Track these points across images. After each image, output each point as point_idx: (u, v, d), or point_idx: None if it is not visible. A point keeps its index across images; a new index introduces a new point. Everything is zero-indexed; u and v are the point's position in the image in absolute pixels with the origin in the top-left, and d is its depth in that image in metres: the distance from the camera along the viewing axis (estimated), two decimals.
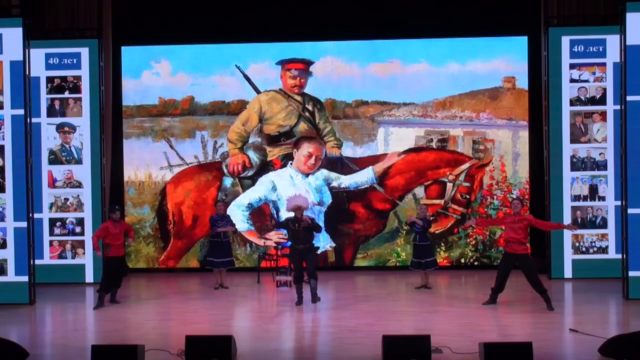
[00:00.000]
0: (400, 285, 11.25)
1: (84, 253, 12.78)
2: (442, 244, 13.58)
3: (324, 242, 13.03)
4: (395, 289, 11.70)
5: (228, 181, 13.75)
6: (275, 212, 13.49)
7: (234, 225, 12.08)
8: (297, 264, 9.91)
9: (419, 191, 13.72)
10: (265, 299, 10.89)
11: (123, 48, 13.88)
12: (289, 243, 12.49)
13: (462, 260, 13.64)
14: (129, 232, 10.60)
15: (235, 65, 13.80)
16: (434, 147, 13.75)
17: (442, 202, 13.60)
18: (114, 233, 10.13)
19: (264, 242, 12.74)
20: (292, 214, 10.01)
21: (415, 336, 7.15)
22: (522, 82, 13.71)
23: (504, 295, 10.10)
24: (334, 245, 13.56)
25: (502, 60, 13.69)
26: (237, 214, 13.23)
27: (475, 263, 13.73)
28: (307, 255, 9.87)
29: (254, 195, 13.44)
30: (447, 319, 8.92)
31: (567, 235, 12.49)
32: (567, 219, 12.53)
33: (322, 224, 12.40)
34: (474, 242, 13.62)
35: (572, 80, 12.71)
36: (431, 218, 13.57)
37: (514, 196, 13.03)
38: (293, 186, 13.40)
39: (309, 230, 9.82)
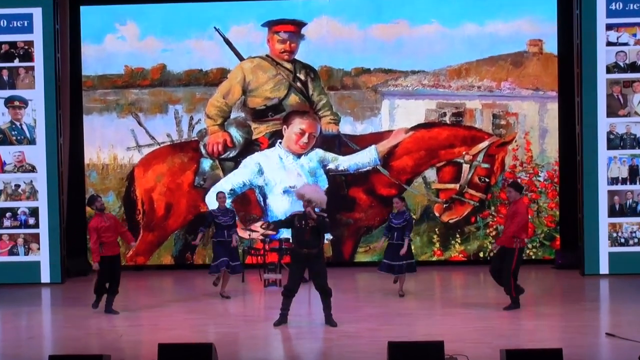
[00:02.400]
0: (408, 284, 11.24)
1: (38, 249, 12.75)
2: (457, 235, 13.61)
3: None
4: (406, 287, 11.72)
5: (207, 163, 13.72)
6: (261, 199, 13.52)
7: (235, 227, 11.06)
8: (295, 274, 8.94)
9: (430, 174, 13.72)
10: (251, 301, 10.89)
11: (82, 8, 13.77)
12: (278, 235, 12.49)
13: (481, 254, 13.65)
14: (123, 234, 10.27)
15: (214, 28, 13.72)
16: (448, 122, 13.74)
17: (457, 186, 13.59)
18: (104, 227, 9.75)
19: (249, 235, 12.73)
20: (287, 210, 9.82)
21: (426, 342, 7.12)
22: (551, 46, 13.66)
23: (528, 296, 10.12)
24: (331, 237, 13.50)
25: (527, 20, 13.62)
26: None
27: None
28: (314, 263, 8.85)
29: (237, 180, 13.45)
30: (462, 322, 8.92)
31: (603, 223, 12.51)
32: (602, 205, 12.54)
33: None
34: (494, 232, 13.61)
35: (609, 44, 12.66)
36: (445, 205, 13.61)
37: (543, 178, 13.04)
38: (283, 169, 13.45)
39: (317, 231, 8.86)
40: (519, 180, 13.42)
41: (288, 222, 9.19)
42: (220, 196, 10.84)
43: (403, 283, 10.68)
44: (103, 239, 9.65)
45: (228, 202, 11.73)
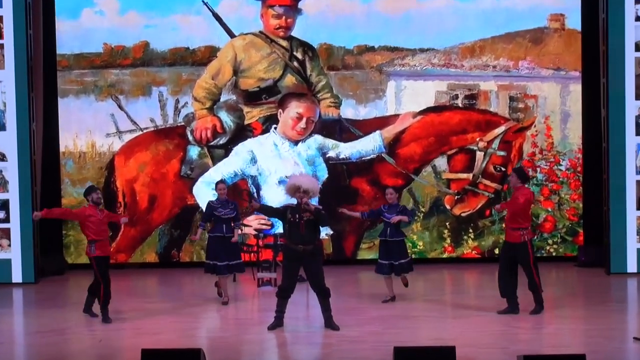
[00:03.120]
0: (416, 283, 11.24)
1: (9, 245, 12.73)
2: (471, 230, 13.63)
3: None
4: (409, 287, 11.70)
5: (194, 151, 13.71)
6: (254, 190, 13.52)
7: (238, 221, 10.76)
8: (290, 272, 8.83)
9: (441, 162, 13.73)
10: (244, 302, 10.88)
11: None
12: (273, 230, 12.47)
13: (496, 251, 13.49)
14: (113, 218, 10.26)
15: (203, 2, 13.67)
16: (460, 105, 13.75)
17: (470, 176, 13.60)
18: (97, 220, 9.62)
19: (241, 230, 12.70)
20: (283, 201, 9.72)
21: (436, 348, 7.13)
22: (574, 21, 13.65)
23: (548, 297, 10.10)
24: (332, 232, 13.55)
25: None
26: (206, 193, 13.15)
27: None
28: (309, 261, 8.76)
29: (227, 169, 13.44)
30: (475, 326, 8.91)
31: (631, 217, 12.49)
32: (630, 197, 12.52)
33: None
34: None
35: (638, 18, 12.62)
36: (457, 197, 13.59)
37: (565, 167, 13.01)
38: (278, 157, 13.43)
39: (313, 225, 8.73)
40: (538, 169, 13.41)
41: (280, 213, 9.07)
42: (220, 187, 10.62)
43: (392, 287, 10.44)
44: (95, 236, 9.43)
45: (218, 194, 11.68)
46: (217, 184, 10.78)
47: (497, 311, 9.43)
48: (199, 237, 11.41)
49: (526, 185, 9.73)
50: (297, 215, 8.62)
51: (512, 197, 9.63)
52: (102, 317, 9.45)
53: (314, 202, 12.10)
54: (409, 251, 10.62)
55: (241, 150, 13.57)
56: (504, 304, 9.57)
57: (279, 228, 12.26)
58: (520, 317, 9.34)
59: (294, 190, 8.66)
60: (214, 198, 10.89)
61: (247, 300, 11.02)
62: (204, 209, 13.15)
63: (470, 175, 13.60)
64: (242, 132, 13.71)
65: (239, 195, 13.40)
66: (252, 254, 12.39)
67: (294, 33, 13.73)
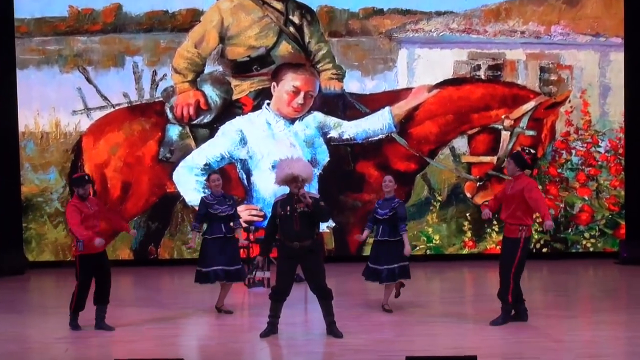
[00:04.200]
0: (431, 284, 11.21)
1: None
2: (495, 222, 13.57)
3: None
4: (424, 288, 11.67)
5: (174, 131, 13.71)
6: (244, 176, 13.52)
7: (239, 219, 10.50)
8: (285, 272, 8.73)
9: (460, 144, 13.75)
10: (232, 306, 10.88)
11: None
12: (265, 222, 12.43)
13: None
14: (113, 221, 10.01)
15: None
16: (483, 77, 13.77)
17: (493, 159, 13.61)
18: (88, 215, 9.46)
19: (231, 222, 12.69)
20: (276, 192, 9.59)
21: (455, 358, 7.13)
22: None
23: (584, 299, 10.08)
24: (334, 225, 13.59)
25: None
26: (189, 179, 13.24)
27: (544, 249, 13.82)
28: (307, 259, 8.63)
29: (213, 152, 13.46)
30: (500, 332, 8.89)
31: None
32: None
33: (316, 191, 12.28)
34: (540, 219, 13.59)
35: None
36: (479, 184, 13.56)
37: (605, 149, 12.96)
38: (271, 137, 13.42)
39: (309, 218, 8.59)
40: (573, 151, 13.36)
41: (272, 217, 8.89)
42: (213, 179, 10.37)
43: (389, 294, 10.29)
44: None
45: (202, 181, 11.65)
46: (209, 175, 10.48)
47: (490, 322, 9.31)
48: (194, 244, 10.44)
49: (526, 173, 9.46)
50: (288, 208, 8.49)
51: (524, 187, 9.33)
52: (70, 321, 9.40)
53: (313, 189, 12.10)
54: (407, 253, 10.13)
55: (229, 130, 13.56)
56: (536, 307, 9.52)
57: None
58: (552, 323, 9.31)
59: (287, 179, 8.50)
60: (197, 185, 10.85)
61: (236, 303, 10.98)
62: (186, 199, 13.19)
63: (495, 159, 13.59)
64: (229, 109, 13.70)
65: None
66: (242, 250, 12.33)
67: None
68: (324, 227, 13.14)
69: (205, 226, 10.30)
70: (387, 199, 9.83)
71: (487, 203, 13.27)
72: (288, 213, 8.49)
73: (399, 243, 9.77)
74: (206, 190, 12.99)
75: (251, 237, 12.14)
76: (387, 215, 9.74)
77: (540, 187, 13.41)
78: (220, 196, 10.12)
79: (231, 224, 10.18)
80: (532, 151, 13.32)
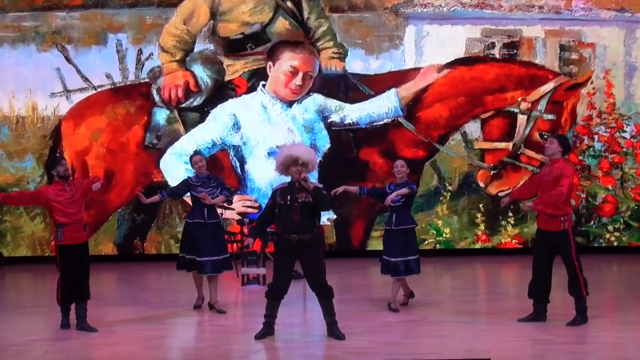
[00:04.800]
0: (441, 281, 11.19)
1: None
2: (510, 214, 13.64)
3: None
4: (433, 286, 11.66)
5: (161, 115, 13.71)
6: (237, 164, 13.53)
7: (229, 192, 10.64)
8: (283, 268, 8.68)
9: (473, 129, 13.76)
10: (224, 305, 10.85)
11: None
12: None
13: None
14: (89, 187, 9.91)
15: None
16: (497, 56, 13.77)
17: (509, 145, 13.61)
18: (65, 200, 9.37)
19: (222, 213, 12.66)
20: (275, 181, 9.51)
21: None
22: None
23: (607, 297, 10.06)
24: (335, 217, 13.62)
25: None
26: (178, 168, 13.17)
27: None
28: (307, 254, 8.59)
29: (203, 138, 13.47)
30: (516, 333, 8.87)
31: None
32: None
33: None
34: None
35: None
36: (492, 172, 13.53)
37: (630, 134, 12.96)
38: (267, 122, 13.41)
39: (310, 209, 8.56)
40: (596, 137, 13.36)
41: (270, 205, 8.84)
42: (196, 160, 10.42)
43: (397, 291, 10.01)
44: (62, 218, 9.22)
45: (191, 169, 11.55)
46: (191, 157, 10.52)
47: (518, 319, 9.34)
48: (147, 201, 10.25)
49: (565, 158, 9.46)
50: (288, 197, 8.45)
51: (560, 172, 9.30)
52: (63, 319, 9.38)
53: (313, 178, 12.07)
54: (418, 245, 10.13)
55: (221, 114, 13.56)
56: (556, 306, 9.49)
57: None
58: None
59: (287, 163, 8.47)
60: (186, 174, 10.76)
61: (229, 302, 10.97)
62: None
63: (510, 145, 13.58)
64: (221, 91, 13.70)
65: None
66: (235, 244, 12.35)
67: None
68: (324, 219, 13.13)
69: (159, 194, 10.29)
70: (399, 184, 9.82)
71: (503, 194, 13.30)
72: (288, 203, 8.44)
73: (413, 233, 9.84)
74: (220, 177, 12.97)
75: (245, 229, 12.12)
76: (401, 202, 9.73)
77: None
78: (204, 178, 10.10)
79: (224, 203, 10.23)
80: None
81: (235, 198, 13.11)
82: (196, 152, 10.66)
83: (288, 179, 8.59)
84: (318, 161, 13.04)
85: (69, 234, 9.08)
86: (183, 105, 13.65)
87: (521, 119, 13.48)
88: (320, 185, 8.72)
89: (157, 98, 13.69)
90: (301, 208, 8.43)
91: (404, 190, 9.64)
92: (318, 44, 13.62)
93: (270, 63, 13.45)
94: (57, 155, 9.50)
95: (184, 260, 10.18)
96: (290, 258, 8.69)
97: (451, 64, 13.68)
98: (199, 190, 10.00)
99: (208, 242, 9.99)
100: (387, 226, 9.90)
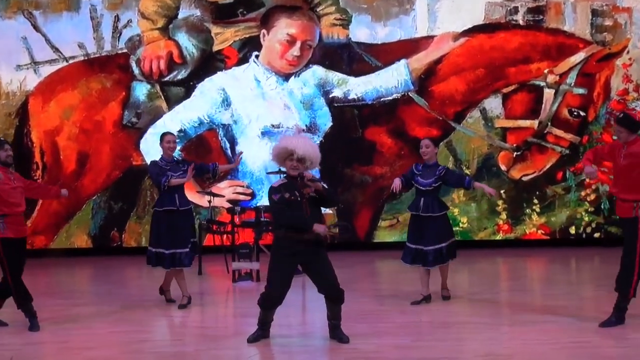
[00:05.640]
0: (458, 276, 11.16)
1: None
2: (536, 201, 13.71)
3: None
4: (449, 282, 11.62)
5: (141, 90, 13.76)
6: (228, 145, 13.55)
7: (209, 174, 10.83)
8: (281, 274, 8.56)
9: (493, 105, 13.79)
10: (213, 304, 10.83)
11: None
12: (254, 202, 12.39)
13: (572, 230, 13.80)
14: (38, 192, 10.04)
15: None
16: (521, 23, 13.79)
17: (534, 123, 13.65)
18: (8, 189, 9.37)
19: (210, 200, 12.67)
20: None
21: None
22: None
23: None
24: (337, 206, 13.53)
25: None
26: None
27: (596, 234, 13.87)
28: (314, 255, 8.47)
29: (189, 116, 13.54)
30: (542, 335, 8.84)
31: None
32: None
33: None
34: (592, 196, 13.71)
35: None
36: (515, 154, 13.52)
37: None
38: (261, 98, 13.46)
39: (317, 203, 8.51)
40: (634, 112, 13.32)
41: (281, 199, 8.71)
42: (167, 139, 10.48)
43: (446, 276, 10.52)
44: (6, 209, 9.26)
45: (176, 151, 11.56)
46: (163, 135, 10.53)
47: (600, 324, 9.31)
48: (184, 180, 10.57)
49: (634, 133, 9.47)
50: (296, 193, 8.40)
51: (625, 156, 9.28)
52: (30, 323, 9.40)
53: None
54: (493, 192, 10.15)
55: (209, 89, 13.62)
56: (586, 305, 9.47)
57: (263, 199, 12.20)
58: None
59: (282, 155, 8.40)
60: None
61: (218, 302, 10.95)
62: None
63: (536, 123, 13.60)
64: (209, 63, 13.74)
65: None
66: (225, 236, 12.34)
67: None
68: (325, 209, 13.14)
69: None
70: (428, 166, 9.81)
71: (527, 178, 13.29)
72: (297, 198, 8.37)
73: (445, 218, 9.87)
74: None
75: (236, 219, 12.09)
76: (432, 185, 9.78)
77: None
78: (172, 161, 10.09)
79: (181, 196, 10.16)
80: (582, 113, 13.44)
81: (226, 183, 13.13)
82: (168, 133, 10.59)
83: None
84: (318, 142, 13.10)
85: (11, 226, 9.10)
86: (166, 79, 13.70)
87: (548, 93, 13.50)
88: (319, 180, 8.65)
89: (136, 71, 13.74)
90: (309, 203, 8.39)
91: (492, 191, 9.82)
92: (318, 10, 13.64)
93: (264, 31, 13.50)
94: (1, 139, 9.44)
95: (153, 254, 10.19)
96: (292, 263, 8.60)
97: (469, 32, 13.72)
98: (170, 176, 10.00)
99: (171, 232, 10.01)
100: (413, 210, 9.92)
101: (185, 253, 10.15)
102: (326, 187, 8.54)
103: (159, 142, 10.23)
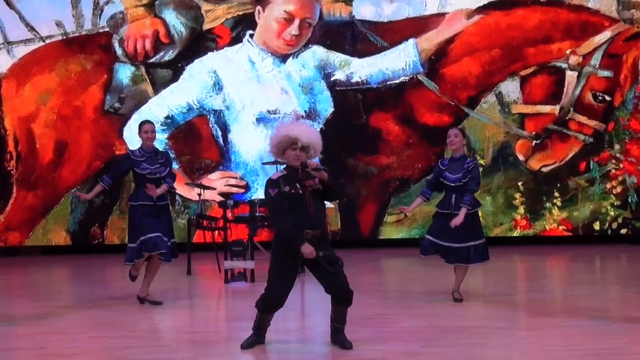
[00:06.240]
0: (471, 277, 11.12)
1: None
2: (557, 194, 13.74)
3: None
4: (464, 282, 11.63)
5: (125, 72, 13.77)
6: (219, 133, 13.56)
7: (173, 179, 10.84)
8: (283, 277, 8.61)
9: (510, 88, 13.80)
10: (203, 307, 10.83)
11: None
12: (248, 195, 12.38)
13: (596, 226, 13.82)
14: None
15: None
16: None
17: (555, 109, 13.65)
18: None
19: (200, 193, 12.67)
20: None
21: None
22: None
23: None
24: (342, 198, 13.52)
25: None
26: None
27: (622, 231, 13.89)
28: (319, 253, 8.83)
29: (177, 101, 13.56)
30: (563, 341, 8.82)
31: None
32: None
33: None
34: (619, 189, 13.75)
35: None
36: (535, 142, 13.49)
37: None
38: (256, 81, 13.48)
39: (321, 197, 8.40)
40: None
41: (279, 194, 8.64)
42: (145, 129, 10.52)
43: (462, 278, 10.53)
44: None
45: (163, 140, 11.62)
46: (140, 124, 10.55)
47: None
48: (90, 196, 10.71)
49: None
50: (297, 185, 8.34)
51: None
52: None
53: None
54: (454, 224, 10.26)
55: (198, 71, 13.62)
56: (612, 308, 9.46)
57: (258, 192, 12.17)
58: (635, 329, 9.26)
59: (284, 145, 8.34)
60: (158, 145, 10.77)
61: (208, 304, 10.93)
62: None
63: (557, 108, 13.60)
64: (199, 43, 13.75)
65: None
66: (217, 233, 12.33)
67: None
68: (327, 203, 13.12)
69: (101, 182, 10.16)
70: (455, 159, 9.81)
71: (547, 169, 13.25)
72: (300, 192, 8.31)
73: (475, 216, 9.91)
74: (168, 152, 12.90)
75: (229, 214, 12.08)
76: (462, 181, 9.78)
77: (617, 146, 13.43)
78: (151, 152, 10.10)
79: (167, 185, 10.17)
80: (607, 98, 13.45)
81: (217, 174, 13.14)
82: (147, 122, 10.59)
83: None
84: (319, 129, 13.08)
85: None
86: (151, 60, 13.72)
87: (570, 76, 13.48)
88: (327, 169, 8.58)
89: (119, 51, 13.74)
90: (313, 197, 8.33)
91: (463, 211, 9.66)
92: None
93: (259, 8, 13.51)
94: None
95: (133, 251, 10.22)
96: (295, 263, 8.56)
97: (484, 9, 13.72)
98: (143, 167, 10.03)
99: (153, 225, 10.02)
100: (444, 209, 9.92)
101: (166, 242, 10.17)
102: (332, 181, 8.44)
103: (137, 131, 10.23)
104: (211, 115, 13.51)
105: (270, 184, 8.24)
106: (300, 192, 8.10)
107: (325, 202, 8.70)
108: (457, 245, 10.01)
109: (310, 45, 13.51)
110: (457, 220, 9.72)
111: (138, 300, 10.49)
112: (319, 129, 12.96)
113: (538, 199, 13.70)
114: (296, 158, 8.11)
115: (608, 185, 13.65)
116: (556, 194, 13.63)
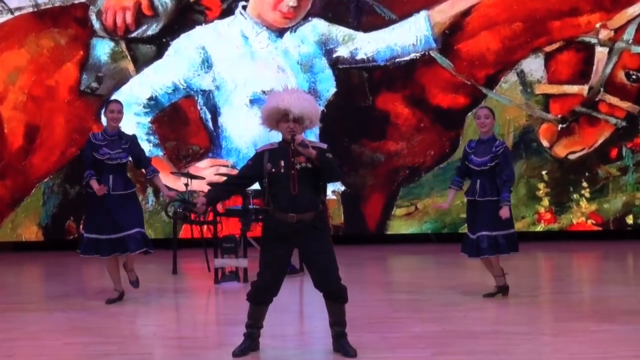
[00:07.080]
0: (488, 275, 11.14)
1: None
2: (585, 184, 13.75)
3: None
4: (478, 282, 11.63)
5: (103, 48, 13.79)
6: (209, 116, 13.61)
7: (147, 159, 10.95)
8: (273, 262, 8.42)
9: (533, 66, 13.80)
10: (191, 309, 10.86)
11: None
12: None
13: (629, 220, 13.86)
14: None
15: None
16: None
17: (583, 89, 13.67)
18: None
19: (187, 184, 12.67)
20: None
21: None
22: None
23: None
24: (343, 189, 13.71)
25: None
26: (126, 121, 13.16)
27: None
28: (310, 239, 8.40)
29: (161, 80, 13.61)
30: (593, 347, 8.83)
31: None
32: None
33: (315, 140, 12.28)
34: None
35: None
36: (561, 126, 13.50)
37: None
38: (249, 58, 13.51)
39: (312, 177, 8.40)
40: None
41: (252, 167, 8.75)
42: (110, 109, 10.49)
43: (497, 269, 10.56)
44: None
45: (146, 124, 11.62)
46: (108, 102, 10.56)
47: None
48: (102, 192, 10.64)
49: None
50: (282, 163, 8.38)
51: None
52: None
53: (312, 136, 12.09)
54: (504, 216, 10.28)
55: (185, 47, 13.66)
56: (628, 311, 9.49)
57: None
58: None
59: (274, 116, 8.38)
60: (138, 129, 10.82)
61: (197, 307, 10.97)
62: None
63: (585, 89, 13.62)
64: (185, 15, 13.76)
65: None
66: (206, 227, 12.36)
67: None
68: (329, 192, 13.13)
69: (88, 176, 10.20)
70: (483, 141, 9.90)
71: (575, 156, 13.27)
72: (282, 170, 8.33)
73: (497, 204, 9.95)
74: (152, 137, 13.00)
75: (219, 207, 12.11)
76: (488, 165, 9.87)
77: None
78: (114, 135, 10.10)
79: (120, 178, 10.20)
80: None
81: (206, 162, 13.16)
82: (114, 101, 10.57)
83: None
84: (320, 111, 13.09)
85: None
86: (133, 35, 13.72)
87: (600, 52, 13.52)
88: (324, 146, 8.60)
89: (97, 25, 13.76)
90: (300, 177, 8.32)
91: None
92: None
93: None
94: None
95: (90, 242, 10.40)
96: (284, 248, 8.59)
97: None
98: (102, 152, 10.06)
99: (114, 214, 10.11)
100: (470, 196, 10.04)
101: (128, 235, 10.22)
102: (330, 156, 8.36)
103: (104, 110, 10.26)
104: (199, 96, 13.53)
105: (255, 154, 8.38)
106: (283, 170, 8.10)
107: (328, 183, 8.69)
108: (487, 234, 10.05)
109: (310, 18, 13.52)
110: (504, 212, 9.83)
111: (118, 297, 10.51)
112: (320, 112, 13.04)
113: (564, 189, 13.72)
114: (290, 131, 8.09)
115: None
116: (584, 184, 13.64)
